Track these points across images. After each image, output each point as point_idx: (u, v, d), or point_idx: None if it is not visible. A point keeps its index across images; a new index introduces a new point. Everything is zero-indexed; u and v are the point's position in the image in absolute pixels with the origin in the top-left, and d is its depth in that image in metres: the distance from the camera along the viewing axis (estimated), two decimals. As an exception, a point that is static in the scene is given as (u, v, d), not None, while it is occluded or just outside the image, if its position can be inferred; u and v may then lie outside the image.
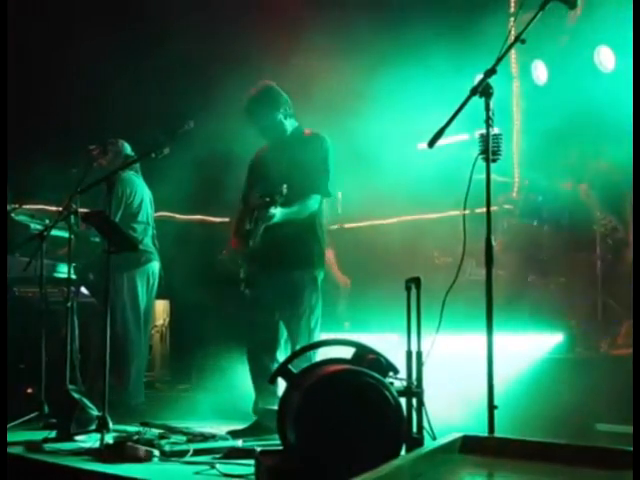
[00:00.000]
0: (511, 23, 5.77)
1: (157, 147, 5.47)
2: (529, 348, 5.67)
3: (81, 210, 6.31)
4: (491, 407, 3.78)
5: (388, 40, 7.66)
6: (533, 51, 7.90)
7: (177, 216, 9.72)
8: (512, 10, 7.86)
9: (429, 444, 3.13)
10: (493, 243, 3.90)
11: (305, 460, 3.79)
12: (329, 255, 8.05)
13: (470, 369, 4.39)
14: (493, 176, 7.21)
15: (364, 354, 4.12)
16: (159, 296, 8.50)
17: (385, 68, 7.43)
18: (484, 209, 6.52)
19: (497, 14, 5.91)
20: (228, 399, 6.66)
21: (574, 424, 4.83)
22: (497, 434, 3.49)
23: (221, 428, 5.67)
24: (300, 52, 7.96)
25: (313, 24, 8.07)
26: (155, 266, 7.26)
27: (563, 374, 5.46)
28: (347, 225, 8.77)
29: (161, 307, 9.13)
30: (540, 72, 8.00)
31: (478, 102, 3.97)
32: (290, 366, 4.22)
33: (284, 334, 5.69)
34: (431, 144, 3.91)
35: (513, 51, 8.38)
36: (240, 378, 6.29)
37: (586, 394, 5.08)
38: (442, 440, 2.60)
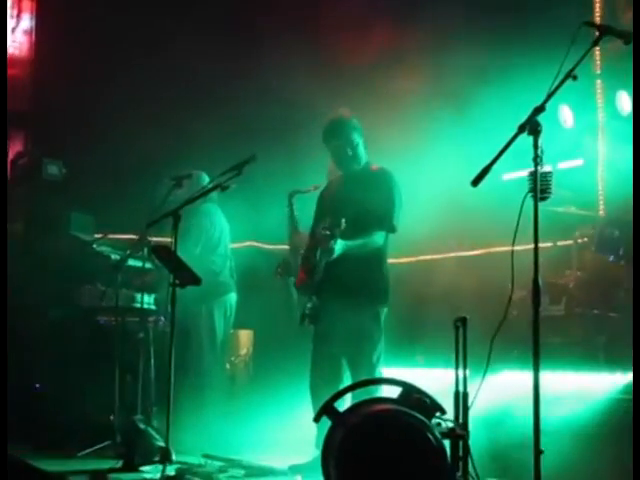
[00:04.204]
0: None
1: (222, 182, 5.57)
2: (600, 387, 5.48)
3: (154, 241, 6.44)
4: (537, 452, 3.70)
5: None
6: (618, 82, 7.75)
7: (264, 246, 9.73)
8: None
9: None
10: (539, 282, 3.82)
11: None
12: None
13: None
14: (573, 209, 7.11)
15: (410, 393, 4.09)
16: (243, 326, 8.59)
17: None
18: (562, 242, 6.37)
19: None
20: (306, 431, 6.64)
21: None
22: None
23: (290, 460, 5.67)
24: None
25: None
26: (232, 298, 7.33)
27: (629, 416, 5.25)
28: (422, 258, 8.73)
29: (245, 337, 9.18)
30: (624, 102, 7.81)
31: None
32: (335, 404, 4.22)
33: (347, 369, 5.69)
34: (475, 182, 3.85)
35: (599, 81, 8.27)
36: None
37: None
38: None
